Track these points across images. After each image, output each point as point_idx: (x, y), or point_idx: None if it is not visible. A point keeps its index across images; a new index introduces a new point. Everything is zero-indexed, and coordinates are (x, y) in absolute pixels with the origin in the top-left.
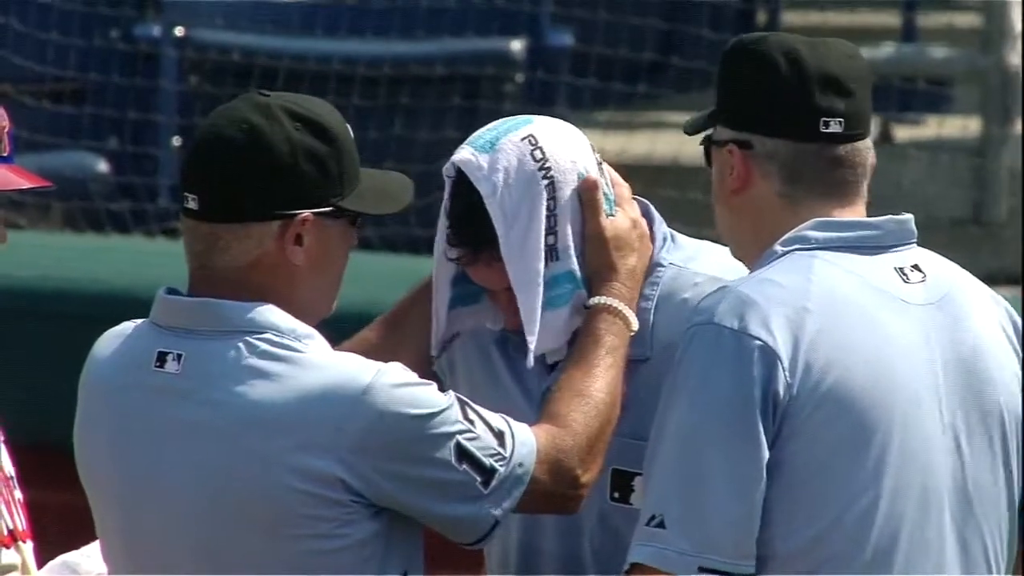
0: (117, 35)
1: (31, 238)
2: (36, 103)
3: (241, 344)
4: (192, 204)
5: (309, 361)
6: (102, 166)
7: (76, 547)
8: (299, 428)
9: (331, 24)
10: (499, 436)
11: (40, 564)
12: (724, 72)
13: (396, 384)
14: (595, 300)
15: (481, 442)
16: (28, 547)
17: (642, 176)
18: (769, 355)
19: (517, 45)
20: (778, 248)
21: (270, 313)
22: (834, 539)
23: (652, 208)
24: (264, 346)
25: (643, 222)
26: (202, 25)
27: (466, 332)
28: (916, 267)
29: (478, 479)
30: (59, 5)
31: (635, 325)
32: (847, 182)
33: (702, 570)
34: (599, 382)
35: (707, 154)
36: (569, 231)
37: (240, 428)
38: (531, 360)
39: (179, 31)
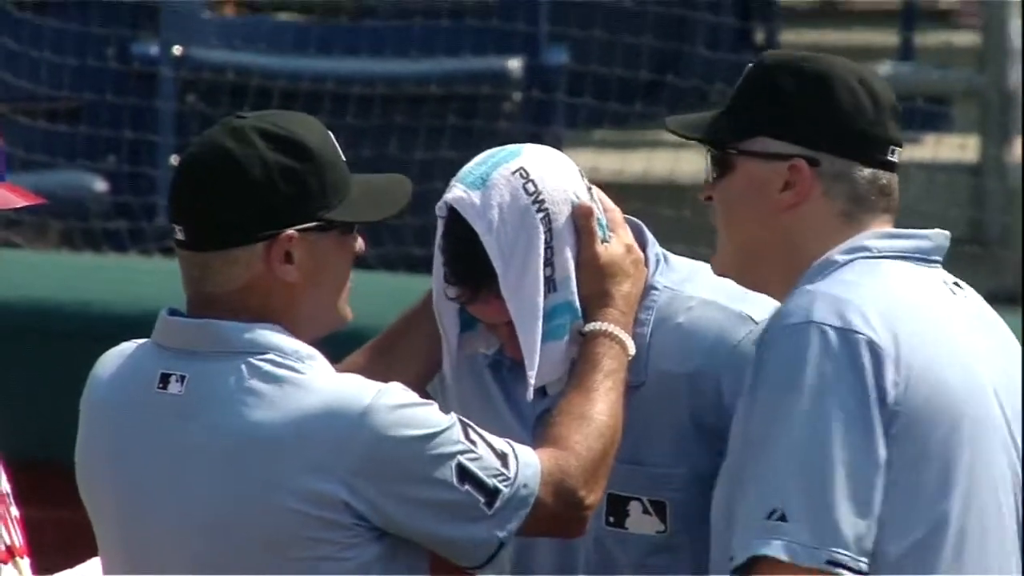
0: (113, 54)
1: (28, 257)
2: (31, 122)
3: (243, 366)
4: (180, 235)
5: (310, 383)
6: (99, 185)
7: (72, 564)
8: (301, 450)
9: (326, 43)
10: (502, 457)
11: None
12: (774, 86)
13: (396, 405)
14: (591, 326)
15: (483, 463)
16: (25, 563)
17: (639, 195)
18: (877, 352)
19: (515, 64)
20: (839, 257)
21: (271, 335)
22: (934, 544)
23: (645, 229)
24: (266, 367)
25: (637, 247)
26: (198, 44)
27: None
28: (957, 283)
29: (481, 500)
30: (54, 24)
31: (632, 349)
32: (892, 207)
33: (829, 563)
34: (599, 405)
35: (723, 163)
36: (566, 261)
37: (242, 450)
38: (530, 394)
39: (177, 50)
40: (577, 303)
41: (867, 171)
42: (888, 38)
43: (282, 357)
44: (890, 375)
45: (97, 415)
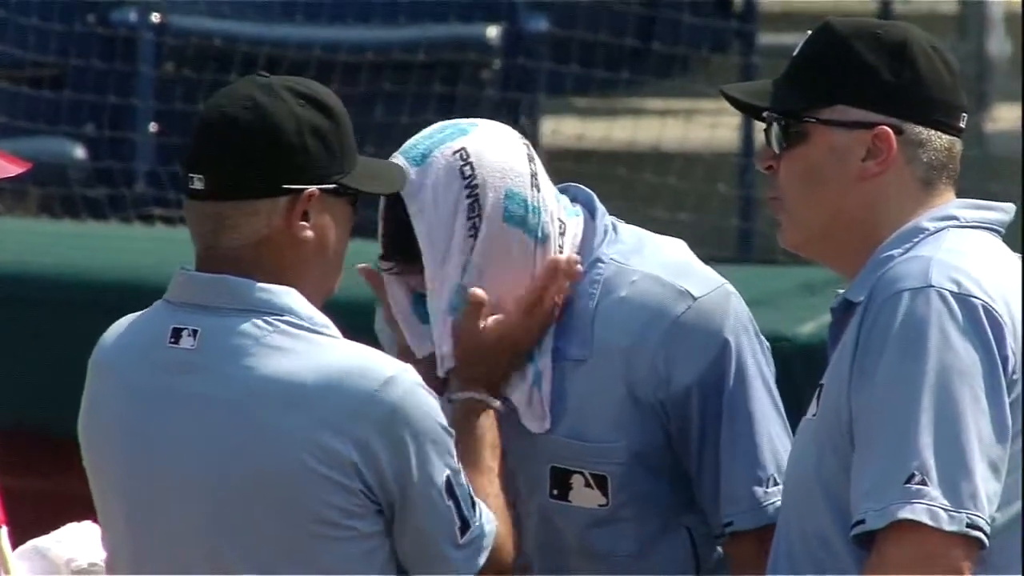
0: (94, 20)
1: (7, 224)
2: (15, 88)
3: (260, 322)
4: (198, 184)
5: (329, 343)
6: (79, 152)
7: (47, 532)
8: (317, 406)
9: (312, 11)
10: (472, 499)
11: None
12: (850, 53)
13: (418, 384)
14: (460, 396)
15: (464, 491)
16: (3, 532)
17: (624, 162)
18: (996, 319)
19: (493, 31)
20: (928, 224)
21: (289, 297)
22: None
23: (595, 198)
24: (283, 327)
25: (519, 338)
26: (180, 11)
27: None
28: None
29: (457, 523)
30: None
31: (496, 404)
32: (958, 174)
33: (969, 526)
34: (497, 493)
35: (795, 133)
36: (486, 247)
37: (256, 402)
38: (441, 369)
39: (156, 17)
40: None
41: (945, 138)
42: (868, 5)
43: (298, 320)
44: (1009, 342)
45: (105, 376)
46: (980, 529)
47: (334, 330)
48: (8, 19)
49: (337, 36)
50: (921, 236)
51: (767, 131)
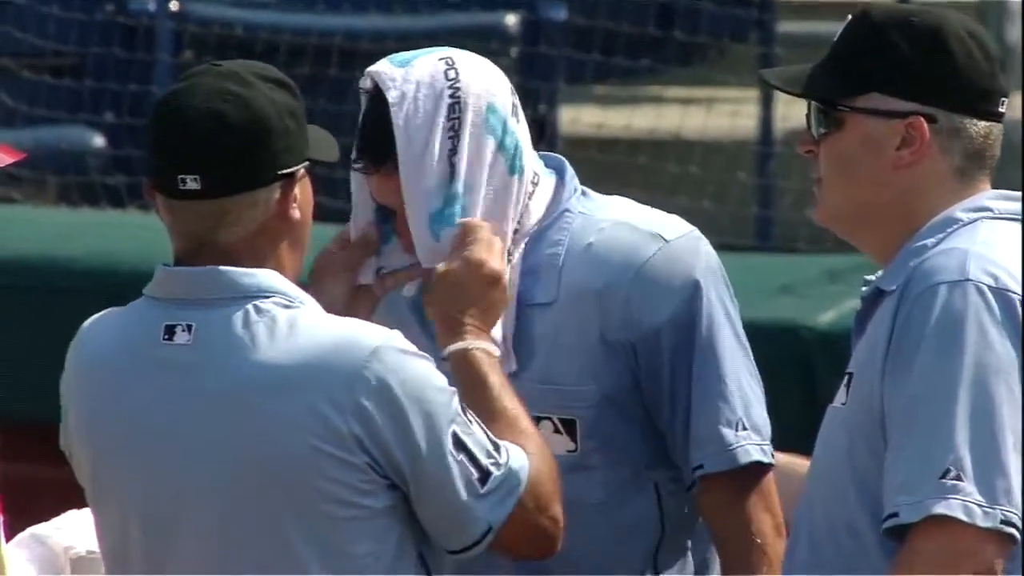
0: (113, 9)
1: (26, 212)
2: (36, 77)
3: (250, 308)
4: (193, 184)
5: (317, 323)
6: (98, 140)
7: (44, 520)
8: (313, 386)
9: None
10: (493, 443)
11: (7, 539)
12: (885, 41)
13: (403, 349)
14: (454, 347)
15: (476, 439)
16: None
17: (645, 150)
18: None
19: (512, 19)
20: (962, 215)
21: (273, 277)
22: None
23: (566, 162)
24: (273, 309)
25: (495, 267)
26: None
27: (381, 306)
28: None
29: (475, 475)
30: None
31: (496, 351)
32: (995, 160)
33: (1003, 522)
34: (525, 423)
35: (832, 120)
36: (472, 156)
37: (257, 392)
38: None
39: (174, 5)
40: (468, 199)
41: (982, 125)
42: None
43: (287, 300)
44: None
45: (98, 377)
46: (1014, 526)
47: (317, 305)
48: (28, 8)
49: (358, 24)
50: (955, 227)
51: (808, 116)
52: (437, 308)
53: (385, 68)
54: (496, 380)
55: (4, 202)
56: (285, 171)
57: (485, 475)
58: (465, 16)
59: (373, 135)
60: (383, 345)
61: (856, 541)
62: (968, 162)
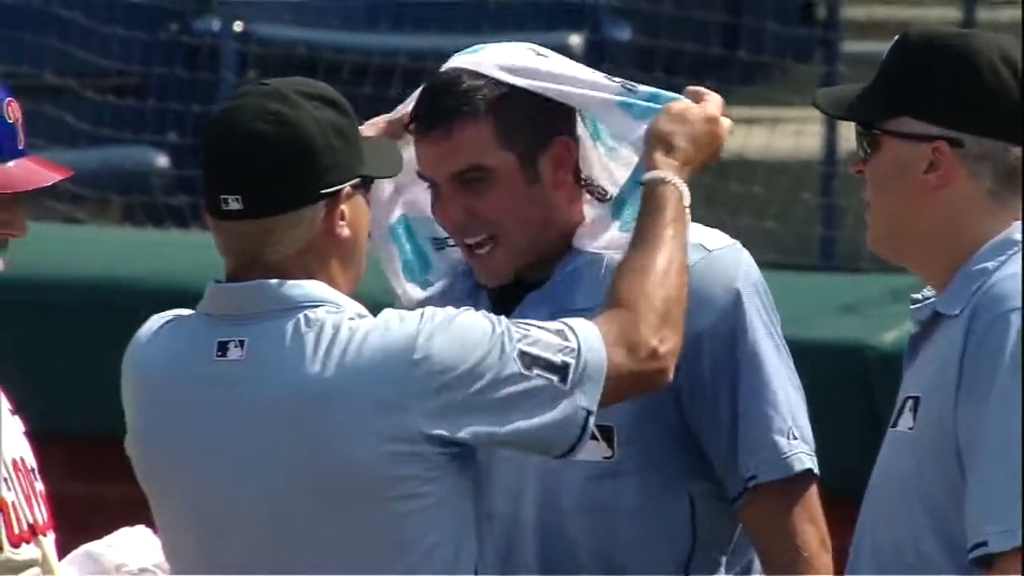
0: (177, 29)
1: (90, 232)
2: (100, 97)
3: (299, 318)
4: (235, 205)
5: (364, 327)
6: (162, 160)
7: (95, 537)
8: (366, 391)
9: (397, 19)
10: (558, 333)
11: (61, 555)
12: (919, 65)
13: (441, 322)
14: (651, 176)
15: (543, 344)
16: (49, 540)
17: (708, 170)
18: None
19: (576, 39)
20: (1019, 237)
21: (323, 288)
22: None
23: None
24: (322, 317)
25: (720, 122)
26: (263, 19)
27: (435, 298)
28: None
29: (554, 379)
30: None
31: (688, 200)
32: None
33: None
34: (658, 254)
35: (870, 142)
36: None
37: (311, 402)
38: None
39: (238, 26)
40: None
41: (1015, 149)
42: (950, 13)
43: (337, 309)
44: None
45: (154, 392)
46: None
47: (367, 313)
48: (92, 29)
49: (422, 44)
50: (1015, 249)
51: (856, 137)
52: (658, 128)
53: (460, 61)
54: (668, 215)
55: (69, 222)
56: (329, 190)
57: (564, 371)
58: (528, 36)
59: (455, 89)
60: (421, 329)
61: (925, 564)
62: (1000, 185)
